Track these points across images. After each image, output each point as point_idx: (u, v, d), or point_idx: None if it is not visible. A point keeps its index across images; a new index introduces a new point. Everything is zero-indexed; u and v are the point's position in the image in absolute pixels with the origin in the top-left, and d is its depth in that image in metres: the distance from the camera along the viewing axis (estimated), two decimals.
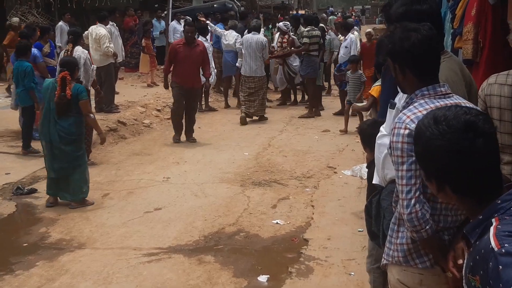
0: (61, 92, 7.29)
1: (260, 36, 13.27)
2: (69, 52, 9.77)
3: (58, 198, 7.61)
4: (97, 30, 12.61)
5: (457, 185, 1.96)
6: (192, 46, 10.79)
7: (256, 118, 13.25)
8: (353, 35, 13.91)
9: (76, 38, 10.12)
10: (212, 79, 13.40)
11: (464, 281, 1.95)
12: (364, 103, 8.88)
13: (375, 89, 7.63)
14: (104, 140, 8.32)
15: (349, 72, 11.93)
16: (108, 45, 12.45)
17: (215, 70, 13.83)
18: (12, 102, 10.76)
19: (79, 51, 9.74)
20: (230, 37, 14.47)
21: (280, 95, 15.70)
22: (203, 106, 14.15)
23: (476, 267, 1.82)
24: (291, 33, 14.48)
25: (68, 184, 7.52)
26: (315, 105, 13.70)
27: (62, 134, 7.40)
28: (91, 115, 7.79)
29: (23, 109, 9.83)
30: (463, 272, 1.97)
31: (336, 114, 13.38)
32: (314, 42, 13.30)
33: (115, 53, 12.96)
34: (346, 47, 13.57)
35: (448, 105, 2.80)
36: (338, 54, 14.66)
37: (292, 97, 15.41)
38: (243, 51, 13.19)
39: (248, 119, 13.04)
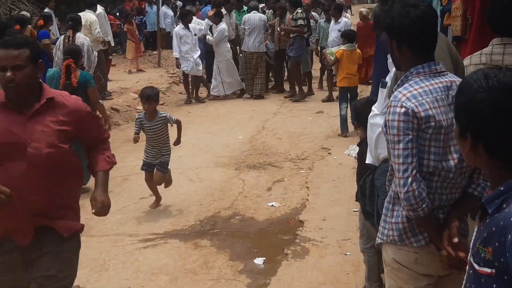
0: (66, 80, 7.26)
1: (261, 14, 13.77)
2: (70, 39, 9.70)
3: None
4: (87, 16, 12.46)
5: (492, 143, 1.92)
6: (27, 113, 3.34)
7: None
8: (346, 18, 13.68)
9: (76, 24, 10.05)
10: (189, 67, 13.12)
11: (471, 252, 1.93)
12: (333, 59, 10.34)
13: (339, 51, 10.20)
14: (110, 128, 8.29)
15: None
16: (99, 30, 12.34)
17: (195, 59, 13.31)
18: None
19: (81, 37, 9.71)
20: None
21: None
22: (192, 99, 13.64)
23: (490, 238, 1.81)
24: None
25: None
26: (301, 86, 13.62)
27: None
28: (100, 101, 7.81)
29: None
30: (472, 243, 1.95)
31: (324, 101, 13.07)
32: (305, 25, 13.15)
33: (105, 40, 12.84)
34: (339, 30, 13.32)
35: (444, 82, 2.80)
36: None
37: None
38: (245, 28, 13.56)
39: (244, 99, 13.67)
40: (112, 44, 14.36)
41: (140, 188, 7.68)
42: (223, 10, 14.02)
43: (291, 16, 13.22)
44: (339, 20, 12.86)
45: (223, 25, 13.44)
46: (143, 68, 17.10)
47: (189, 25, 13.22)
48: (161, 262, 5.55)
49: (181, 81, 14.23)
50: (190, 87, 13.52)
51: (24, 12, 12.71)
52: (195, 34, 13.25)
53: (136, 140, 6.92)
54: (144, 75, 15.88)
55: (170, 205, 7.05)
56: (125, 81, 14.74)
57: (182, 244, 5.96)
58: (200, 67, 13.34)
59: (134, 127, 7.08)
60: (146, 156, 7.09)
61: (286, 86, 14.47)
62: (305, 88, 13.76)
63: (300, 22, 12.90)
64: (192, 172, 8.27)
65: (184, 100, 13.59)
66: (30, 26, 12.40)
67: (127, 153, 9.32)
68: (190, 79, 13.43)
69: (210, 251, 5.78)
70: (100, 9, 13.08)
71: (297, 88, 13.52)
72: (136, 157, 9.07)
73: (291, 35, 13.03)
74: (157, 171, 6.97)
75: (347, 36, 10.56)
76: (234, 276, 5.25)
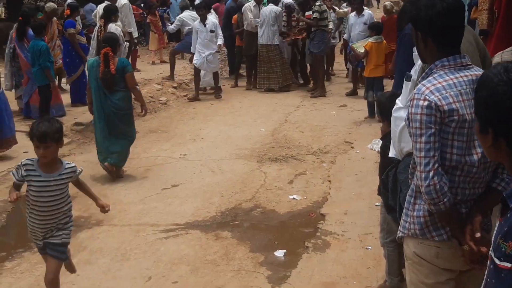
0: (104, 68, 7.42)
1: (274, 7, 13.51)
2: (102, 28, 9.84)
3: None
4: (102, 8, 12.49)
5: None
6: None
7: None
8: (369, 11, 13.50)
9: (108, 14, 10.17)
10: (199, 61, 12.72)
11: (492, 246, 1.91)
12: (362, 52, 10.72)
13: (368, 44, 10.56)
14: (146, 112, 8.36)
15: None
16: None
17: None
18: (7, 83, 10.79)
19: (112, 28, 9.83)
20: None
21: None
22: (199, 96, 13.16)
23: (511, 233, 1.79)
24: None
25: (117, 152, 7.73)
26: (323, 82, 13.46)
27: (114, 110, 7.55)
28: (137, 87, 7.92)
29: (39, 88, 9.87)
30: (493, 237, 1.93)
31: (348, 94, 12.98)
32: (324, 18, 12.89)
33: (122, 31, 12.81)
34: (365, 23, 13.13)
35: (469, 76, 2.76)
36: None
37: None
38: (258, 21, 13.51)
39: (267, 93, 13.52)
40: (136, 35, 14.36)
41: (162, 178, 7.73)
42: (253, 2, 13.98)
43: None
44: (363, 13, 12.65)
45: (213, 19, 13.18)
46: (166, 59, 17.12)
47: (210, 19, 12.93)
48: (182, 253, 5.58)
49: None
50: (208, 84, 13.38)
51: (50, 4, 12.78)
52: (212, 31, 12.77)
53: (14, 198, 4.05)
54: (168, 67, 15.91)
55: (191, 196, 7.08)
56: (148, 72, 14.81)
57: (203, 235, 5.98)
58: (212, 65, 12.88)
59: (13, 176, 4.31)
60: (31, 232, 4.39)
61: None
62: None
63: (315, 15, 12.67)
64: (214, 164, 8.29)
65: (190, 96, 13.06)
66: (56, 18, 12.48)
67: (150, 144, 9.38)
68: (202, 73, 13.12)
69: (231, 243, 5.79)
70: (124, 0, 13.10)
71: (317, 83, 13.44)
72: (159, 148, 9.16)
73: (312, 29, 12.90)
74: (50, 257, 4.39)
75: (375, 28, 10.87)
76: (254, 268, 5.26)
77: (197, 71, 12.96)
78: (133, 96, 7.88)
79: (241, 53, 14.51)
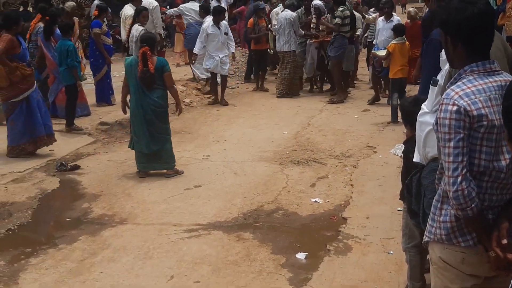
0: (143, 67, 7.55)
1: (289, 13, 13.36)
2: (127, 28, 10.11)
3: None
4: (125, 10, 12.55)
5: None
6: None
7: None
8: (397, 17, 13.26)
9: (134, 15, 10.42)
10: (213, 65, 12.58)
11: None
12: (383, 54, 10.99)
13: (391, 46, 10.77)
14: (181, 112, 8.46)
15: None
16: None
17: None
18: None
19: (134, 29, 10.00)
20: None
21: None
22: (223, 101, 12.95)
23: None
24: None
25: (160, 155, 7.88)
26: (342, 87, 13.35)
27: (152, 108, 7.67)
28: (175, 86, 8.11)
29: (66, 87, 10.00)
30: None
31: (371, 103, 12.56)
32: (346, 24, 12.77)
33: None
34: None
35: (498, 81, 2.76)
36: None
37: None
38: (275, 27, 13.60)
39: (281, 99, 13.38)
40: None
41: (185, 179, 7.78)
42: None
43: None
44: (391, 19, 12.43)
45: (209, 18, 12.86)
46: None
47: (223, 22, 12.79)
48: (204, 253, 5.61)
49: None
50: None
51: (69, 3, 12.91)
52: (226, 33, 12.66)
53: None
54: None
55: (214, 197, 7.11)
56: (173, 74, 14.77)
57: (225, 236, 6.00)
58: (226, 67, 12.79)
59: None
60: None
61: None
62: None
63: (337, 20, 12.58)
64: (237, 166, 8.32)
65: (210, 101, 13.00)
66: (78, 18, 12.62)
67: (174, 144, 9.31)
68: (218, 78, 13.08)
69: (253, 244, 5.81)
70: (154, 2, 13.14)
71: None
72: (182, 148, 9.21)
73: (333, 34, 12.80)
74: None
75: (397, 30, 11.03)
76: (276, 270, 5.27)
77: (213, 74, 12.93)
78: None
79: (258, 56, 14.46)
